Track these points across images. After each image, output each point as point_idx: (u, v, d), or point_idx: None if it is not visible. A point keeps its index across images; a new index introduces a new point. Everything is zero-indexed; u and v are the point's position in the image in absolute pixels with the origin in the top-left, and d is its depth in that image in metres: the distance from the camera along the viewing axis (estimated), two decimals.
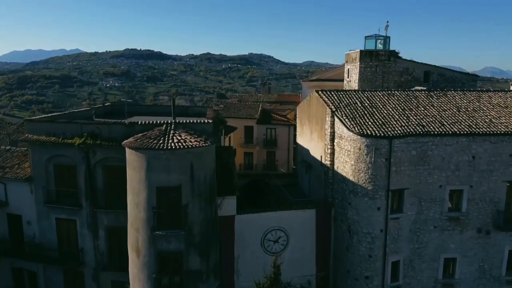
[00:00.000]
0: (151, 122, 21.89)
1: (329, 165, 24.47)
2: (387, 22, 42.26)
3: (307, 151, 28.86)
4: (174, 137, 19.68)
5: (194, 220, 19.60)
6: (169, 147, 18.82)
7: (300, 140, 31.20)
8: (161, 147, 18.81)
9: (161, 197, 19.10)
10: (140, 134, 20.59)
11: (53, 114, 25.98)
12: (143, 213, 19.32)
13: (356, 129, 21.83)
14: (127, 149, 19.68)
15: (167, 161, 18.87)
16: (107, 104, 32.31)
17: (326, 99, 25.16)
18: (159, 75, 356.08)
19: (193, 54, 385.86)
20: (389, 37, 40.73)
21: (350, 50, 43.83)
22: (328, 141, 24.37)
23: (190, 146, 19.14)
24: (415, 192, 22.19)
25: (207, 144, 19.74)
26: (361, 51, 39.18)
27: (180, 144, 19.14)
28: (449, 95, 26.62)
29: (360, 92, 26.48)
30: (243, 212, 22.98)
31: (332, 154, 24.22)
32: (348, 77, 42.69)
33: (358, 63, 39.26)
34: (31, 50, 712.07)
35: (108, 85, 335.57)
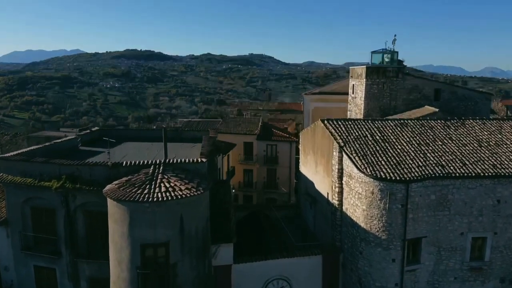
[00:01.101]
0: (137, 162, 19.31)
1: (336, 205, 21.94)
2: (395, 36, 39.72)
3: (312, 184, 26.31)
4: (162, 184, 17.13)
5: (184, 280, 17.05)
6: (155, 199, 16.27)
7: (304, 170, 28.63)
8: (145, 198, 16.26)
9: (146, 256, 16.56)
10: (124, 179, 18.04)
11: (32, 148, 23.33)
12: (126, 272, 16.78)
13: (368, 170, 19.26)
14: (108, 198, 17.16)
15: (153, 215, 16.32)
16: (95, 129, 29.75)
17: (332, 130, 22.60)
18: (160, 76, 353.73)
19: (193, 55, 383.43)
20: (397, 52, 38.19)
21: (355, 66, 41.30)
22: (336, 179, 21.82)
23: (179, 196, 16.60)
24: (433, 240, 19.63)
25: (199, 192, 17.19)
26: (367, 67, 36.63)
27: (168, 194, 16.58)
28: (467, 125, 24.03)
29: (370, 122, 23.89)
30: (240, 261, 20.48)
31: (340, 193, 21.68)
32: (353, 93, 40.13)
33: (364, 79, 36.71)
34: (31, 50, 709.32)
35: (108, 86, 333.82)
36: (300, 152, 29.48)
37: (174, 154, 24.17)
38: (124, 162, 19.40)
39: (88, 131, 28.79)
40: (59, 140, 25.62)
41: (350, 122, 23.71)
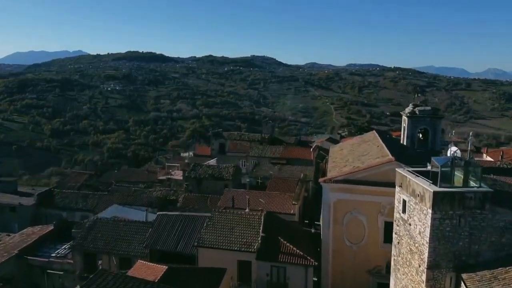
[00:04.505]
0: None
1: None
2: (471, 134, 24.83)
3: None
4: None
5: None
6: None
7: None
8: None
9: None
10: None
11: None
12: None
13: None
14: None
15: None
16: None
17: None
18: (161, 78, 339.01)
19: (195, 56, 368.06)
20: (480, 166, 23.19)
21: (405, 169, 26.30)
22: None
23: None
24: None
25: None
26: (435, 193, 21.58)
27: None
28: None
29: None
30: None
31: None
32: (404, 212, 25.22)
33: (430, 210, 21.75)
34: (34, 51, 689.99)
35: (109, 88, 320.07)
36: None
37: None
38: None
39: None
40: None
41: None
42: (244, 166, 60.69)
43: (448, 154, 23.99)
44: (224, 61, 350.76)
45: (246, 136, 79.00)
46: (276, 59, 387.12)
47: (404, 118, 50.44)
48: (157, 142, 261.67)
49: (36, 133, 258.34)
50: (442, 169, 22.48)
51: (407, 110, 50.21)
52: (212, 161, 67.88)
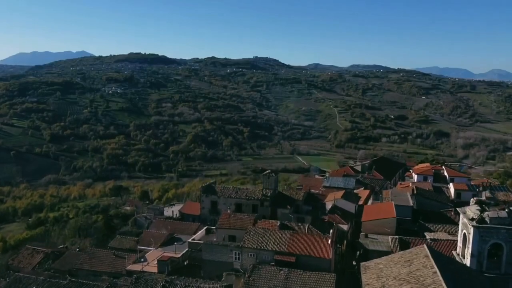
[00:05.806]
0: None
1: None
2: None
3: None
4: None
5: None
6: None
7: None
8: None
9: None
10: None
11: None
12: None
13: None
14: None
15: None
16: None
17: None
18: (163, 81, 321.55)
19: (197, 58, 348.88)
20: None
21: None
22: None
23: None
24: None
25: None
26: None
27: None
28: None
29: None
30: None
31: None
32: None
33: None
34: (37, 52, 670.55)
35: (110, 91, 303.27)
36: None
37: None
38: None
39: None
40: None
41: None
42: (238, 260, 44.00)
43: None
44: (226, 62, 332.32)
45: (244, 193, 62.23)
46: (279, 61, 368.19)
47: (466, 223, 33.65)
48: (158, 147, 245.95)
49: (36, 138, 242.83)
50: None
51: (471, 212, 33.33)
52: (199, 235, 51.58)
